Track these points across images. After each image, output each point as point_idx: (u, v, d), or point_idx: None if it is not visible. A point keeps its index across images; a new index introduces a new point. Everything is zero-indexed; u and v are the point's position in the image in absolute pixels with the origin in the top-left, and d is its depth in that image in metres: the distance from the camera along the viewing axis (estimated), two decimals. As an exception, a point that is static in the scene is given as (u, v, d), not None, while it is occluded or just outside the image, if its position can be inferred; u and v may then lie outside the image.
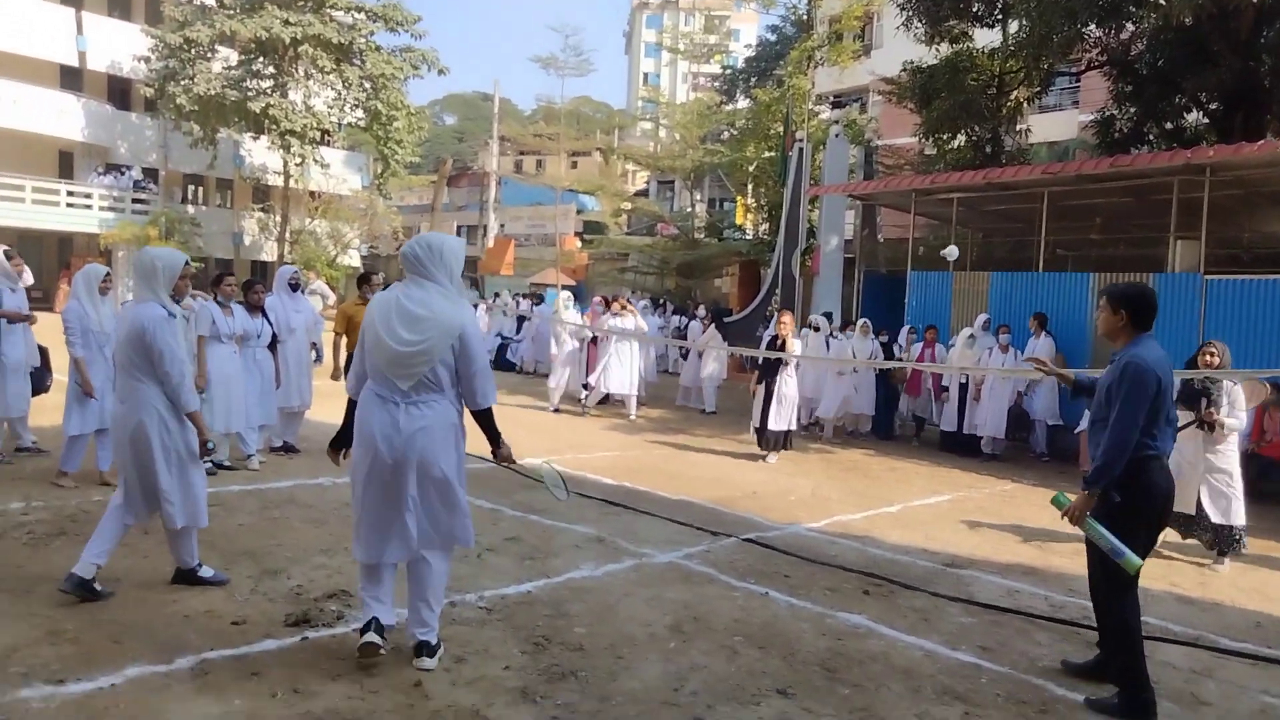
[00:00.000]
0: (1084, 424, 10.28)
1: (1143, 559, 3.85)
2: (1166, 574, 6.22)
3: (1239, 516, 6.48)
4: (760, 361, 9.94)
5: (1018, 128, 16.74)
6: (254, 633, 4.12)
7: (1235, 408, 6.46)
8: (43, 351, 7.64)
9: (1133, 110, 15.04)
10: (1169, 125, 14.97)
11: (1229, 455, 6.53)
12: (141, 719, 3.28)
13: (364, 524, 3.90)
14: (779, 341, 9.74)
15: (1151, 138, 15.09)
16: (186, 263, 4.79)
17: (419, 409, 3.81)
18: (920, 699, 3.90)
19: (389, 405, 3.81)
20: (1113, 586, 4.00)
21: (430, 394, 3.82)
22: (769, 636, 4.51)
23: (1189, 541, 6.74)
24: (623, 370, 12.35)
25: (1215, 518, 6.46)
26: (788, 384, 9.74)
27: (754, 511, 7.30)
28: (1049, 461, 10.86)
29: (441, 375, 3.81)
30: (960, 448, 10.93)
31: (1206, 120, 14.54)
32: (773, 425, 9.62)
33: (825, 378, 12.09)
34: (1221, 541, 6.50)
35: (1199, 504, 6.49)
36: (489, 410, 3.92)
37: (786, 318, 9.98)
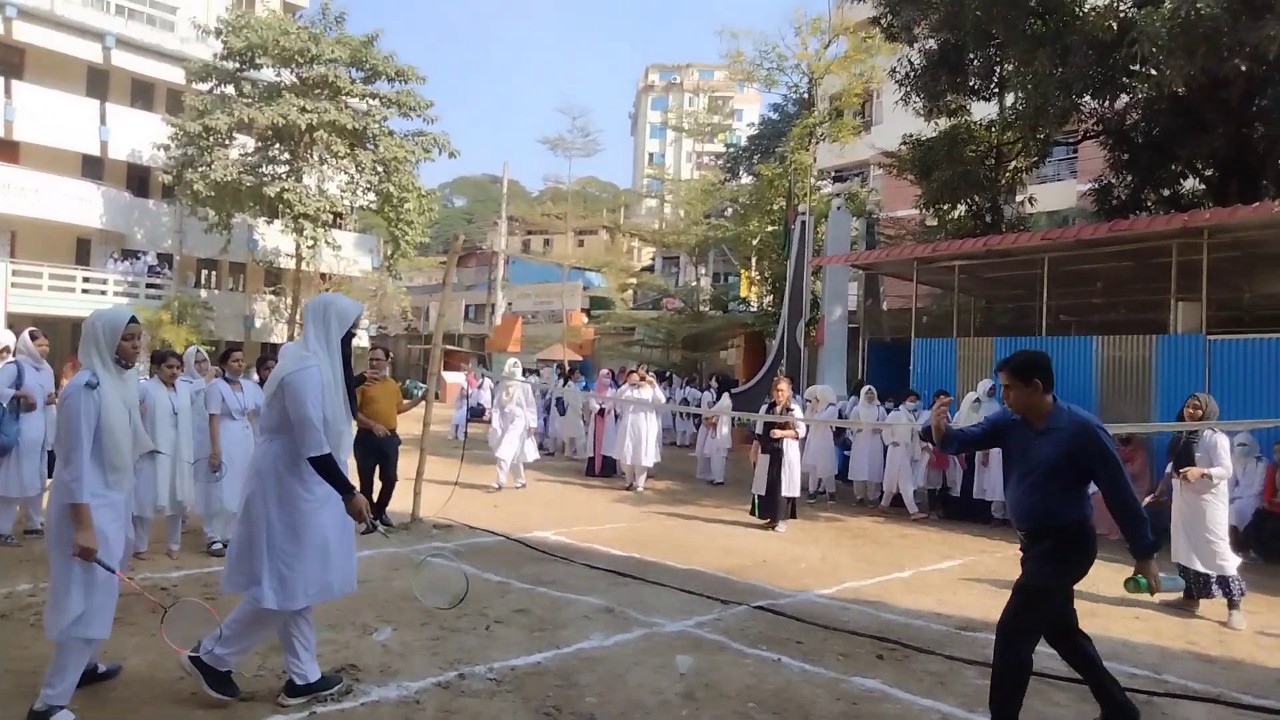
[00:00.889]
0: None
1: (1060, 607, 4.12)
2: (1184, 633, 6.12)
3: (1230, 566, 6.51)
4: (761, 430, 9.96)
5: (1017, 197, 17.00)
6: (262, 709, 4.08)
7: (1214, 457, 6.56)
8: None
9: (1130, 178, 15.28)
10: (1166, 192, 15.20)
11: (1214, 505, 6.62)
12: (148, 793, 3.25)
13: None
14: (777, 409, 9.80)
15: (1149, 204, 15.30)
16: (132, 320, 4.22)
17: (258, 446, 4.38)
18: (936, 763, 3.83)
19: None
20: (1025, 627, 4.01)
21: (266, 434, 4.24)
22: (782, 703, 4.45)
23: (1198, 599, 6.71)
24: (639, 442, 12.38)
25: (1199, 567, 6.54)
26: (791, 450, 9.76)
27: (764, 579, 7.23)
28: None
29: (272, 418, 4.17)
30: (968, 514, 10.84)
31: (1203, 186, 14.77)
32: (784, 492, 9.62)
33: (825, 445, 12.07)
34: (1226, 591, 6.52)
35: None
36: (322, 459, 4.04)
37: (783, 384, 10.06)
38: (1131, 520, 3.88)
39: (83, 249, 29.68)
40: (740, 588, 6.89)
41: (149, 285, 29.23)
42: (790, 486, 9.70)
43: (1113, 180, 15.54)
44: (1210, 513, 6.61)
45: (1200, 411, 6.62)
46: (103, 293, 28.03)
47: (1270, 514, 8.59)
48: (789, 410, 9.87)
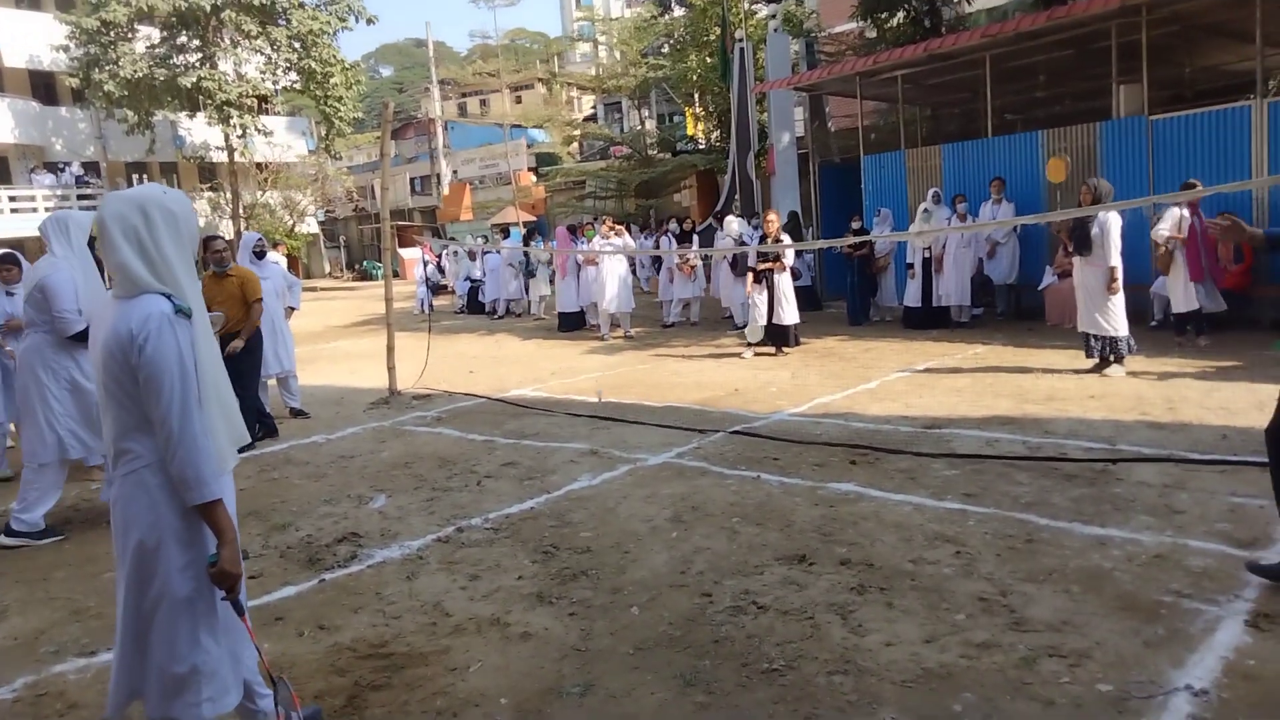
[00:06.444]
0: (1046, 281, 10.55)
1: None
2: (1136, 405, 6.47)
3: (1124, 329, 7.50)
4: (751, 262, 10.11)
5: (954, -1, 16.56)
6: (272, 583, 4.26)
7: (1106, 235, 7.31)
8: None
9: (1067, -39, 14.87)
10: (1105, -28, 14.82)
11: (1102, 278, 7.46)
12: (180, 670, 3.43)
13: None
14: (768, 241, 9.91)
15: (1088, -13, 14.94)
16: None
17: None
18: (913, 547, 4.11)
19: None
20: None
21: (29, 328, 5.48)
22: (765, 514, 4.71)
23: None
24: (620, 289, 12.50)
25: (1106, 332, 7.47)
26: (785, 281, 9.95)
27: (738, 406, 7.48)
28: (1012, 321, 11.18)
29: (30, 313, 5.42)
30: (928, 322, 11.14)
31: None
32: (787, 321, 9.95)
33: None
34: (1113, 351, 7.51)
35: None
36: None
37: (772, 215, 10.19)
38: None
39: (1, 168, 28.50)
40: (716, 416, 7.14)
41: (80, 196, 28.23)
42: (789, 315, 9.96)
43: (1050, -34, 15.12)
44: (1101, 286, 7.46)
45: (1091, 195, 7.16)
46: (33, 209, 27.07)
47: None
48: (778, 241, 9.96)
